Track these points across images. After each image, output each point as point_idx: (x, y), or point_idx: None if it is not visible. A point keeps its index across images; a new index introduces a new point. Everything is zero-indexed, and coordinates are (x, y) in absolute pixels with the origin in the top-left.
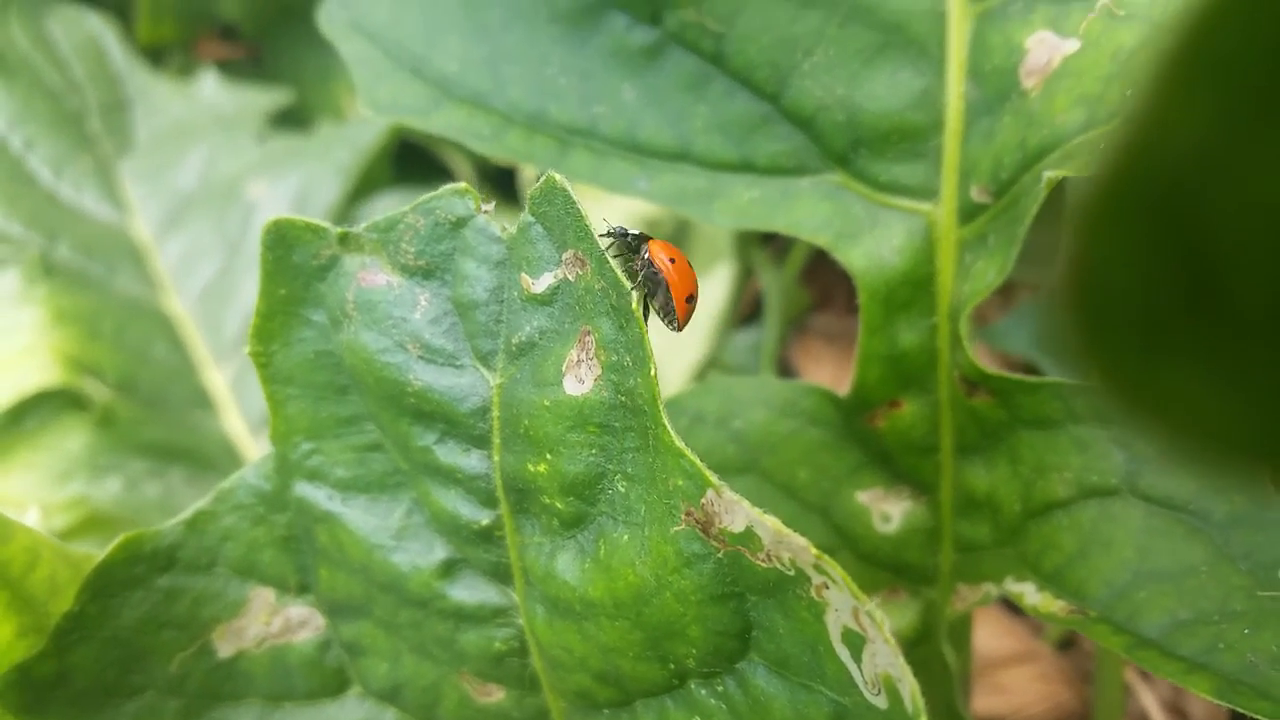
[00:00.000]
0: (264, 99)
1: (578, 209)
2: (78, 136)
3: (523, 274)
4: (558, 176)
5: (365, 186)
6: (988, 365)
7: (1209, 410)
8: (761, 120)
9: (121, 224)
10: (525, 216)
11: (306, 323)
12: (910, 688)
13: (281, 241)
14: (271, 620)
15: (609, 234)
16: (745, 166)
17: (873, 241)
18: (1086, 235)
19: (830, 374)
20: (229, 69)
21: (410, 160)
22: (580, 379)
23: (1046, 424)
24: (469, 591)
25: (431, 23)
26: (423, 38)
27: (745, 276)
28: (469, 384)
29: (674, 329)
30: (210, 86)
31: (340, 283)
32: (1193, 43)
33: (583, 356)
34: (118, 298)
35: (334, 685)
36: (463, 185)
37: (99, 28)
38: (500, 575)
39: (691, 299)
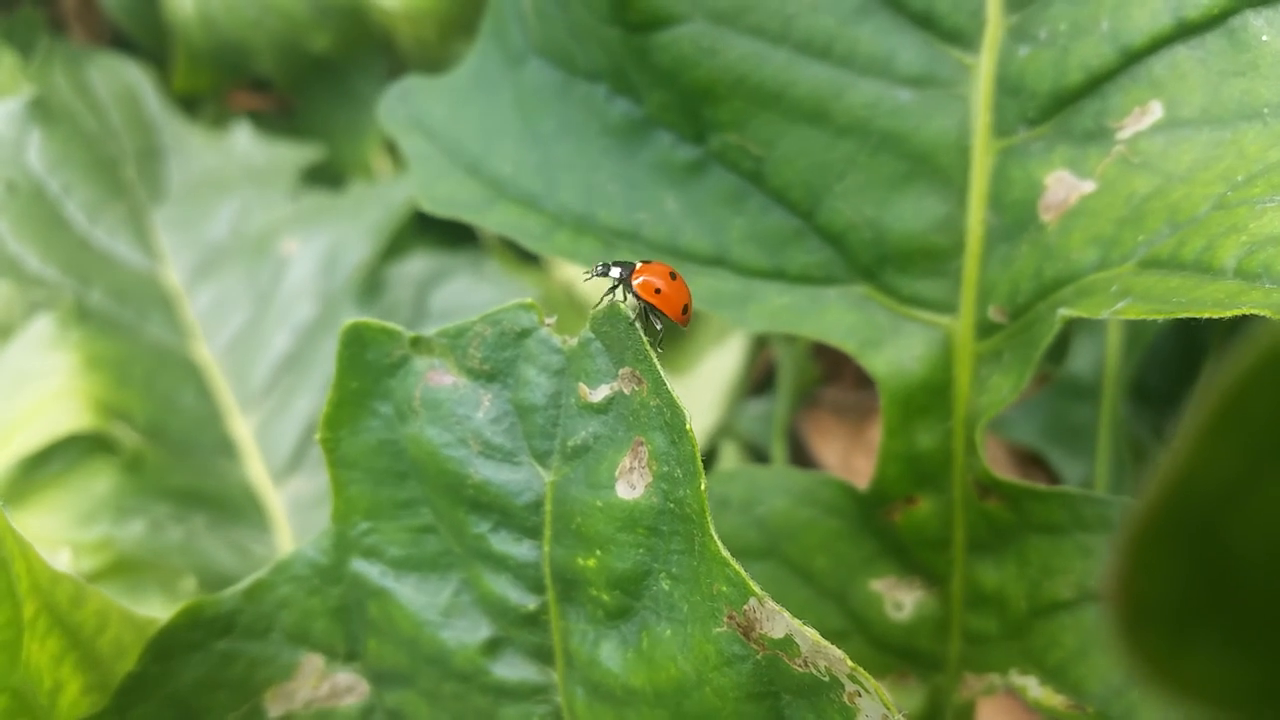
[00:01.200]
0: (297, 154)
1: (637, 332)
2: (113, 183)
3: (581, 384)
4: (621, 305)
5: (393, 244)
6: (999, 454)
7: (1228, 692)
8: (794, 234)
9: (153, 271)
10: (586, 333)
11: (374, 414)
12: None
13: (357, 340)
14: (320, 685)
15: (596, 273)
16: (778, 275)
17: (895, 350)
18: (1131, 553)
19: (839, 448)
20: (261, 120)
21: (432, 222)
22: (632, 485)
23: (1053, 529)
24: (511, 669)
25: (488, 126)
26: (479, 139)
27: (759, 347)
28: (524, 480)
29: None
30: (244, 139)
31: (409, 380)
32: (1225, 405)
33: (635, 464)
34: (148, 344)
35: None
36: (529, 300)
37: (136, 77)
38: (542, 656)
39: (687, 309)
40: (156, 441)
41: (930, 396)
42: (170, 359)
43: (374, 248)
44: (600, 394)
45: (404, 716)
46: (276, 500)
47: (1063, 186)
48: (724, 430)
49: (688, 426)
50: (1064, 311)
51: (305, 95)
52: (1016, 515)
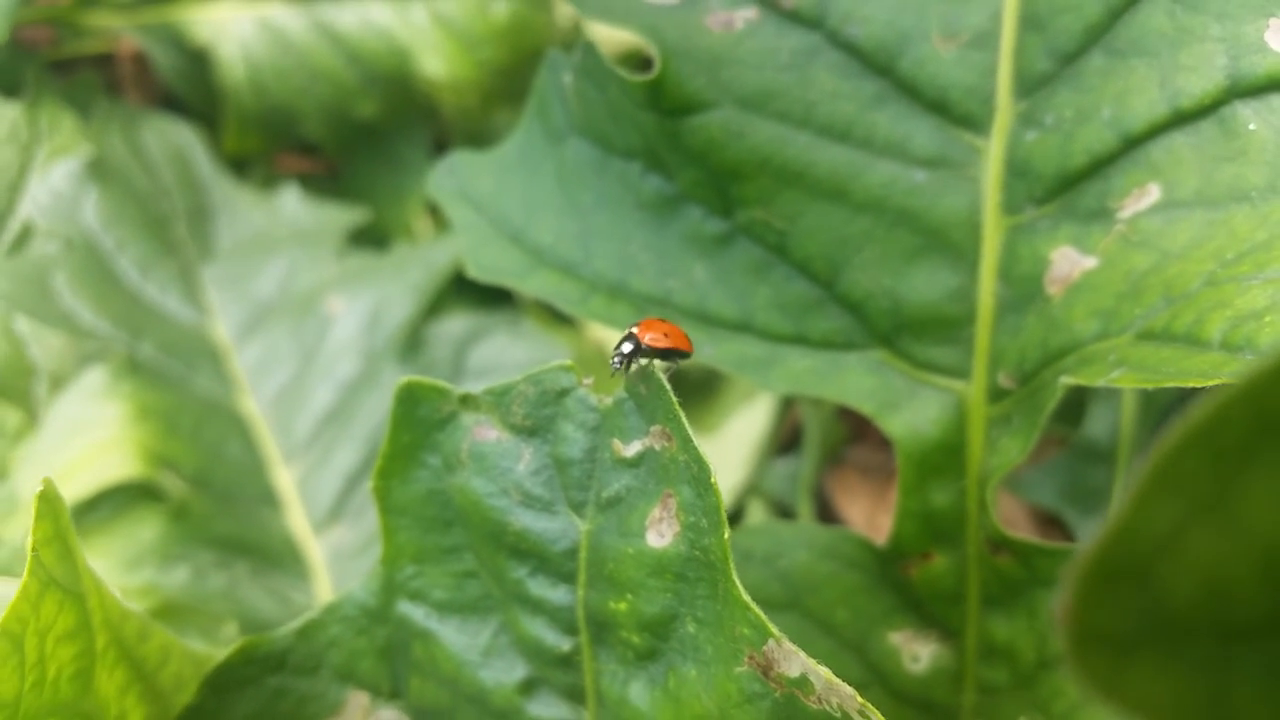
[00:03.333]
0: (343, 216)
1: (668, 394)
2: (164, 241)
3: (615, 440)
4: (648, 367)
5: (434, 304)
6: (1018, 514)
7: (1165, 707)
8: (816, 302)
9: (202, 326)
10: (620, 393)
11: (423, 465)
12: None
13: (410, 397)
14: None
15: (616, 366)
16: (800, 340)
17: (911, 412)
18: (1080, 589)
19: (864, 505)
20: (308, 182)
21: (470, 282)
22: (661, 534)
23: (1060, 585)
24: (545, 708)
25: (530, 198)
26: (522, 211)
27: (786, 408)
28: (561, 528)
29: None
30: (292, 201)
31: (457, 435)
32: (1161, 467)
33: (664, 515)
34: (196, 396)
35: None
36: (569, 363)
37: (188, 138)
38: (575, 695)
39: (688, 339)
40: (202, 490)
41: (945, 457)
42: (217, 411)
43: (416, 307)
44: (633, 449)
45: None
46: (316, 550)
47: (1067, 262)
48: (751, 488)
49: (713, 480)
50: (1066, 379)
51: (351, 159)
52: (1026, 570)
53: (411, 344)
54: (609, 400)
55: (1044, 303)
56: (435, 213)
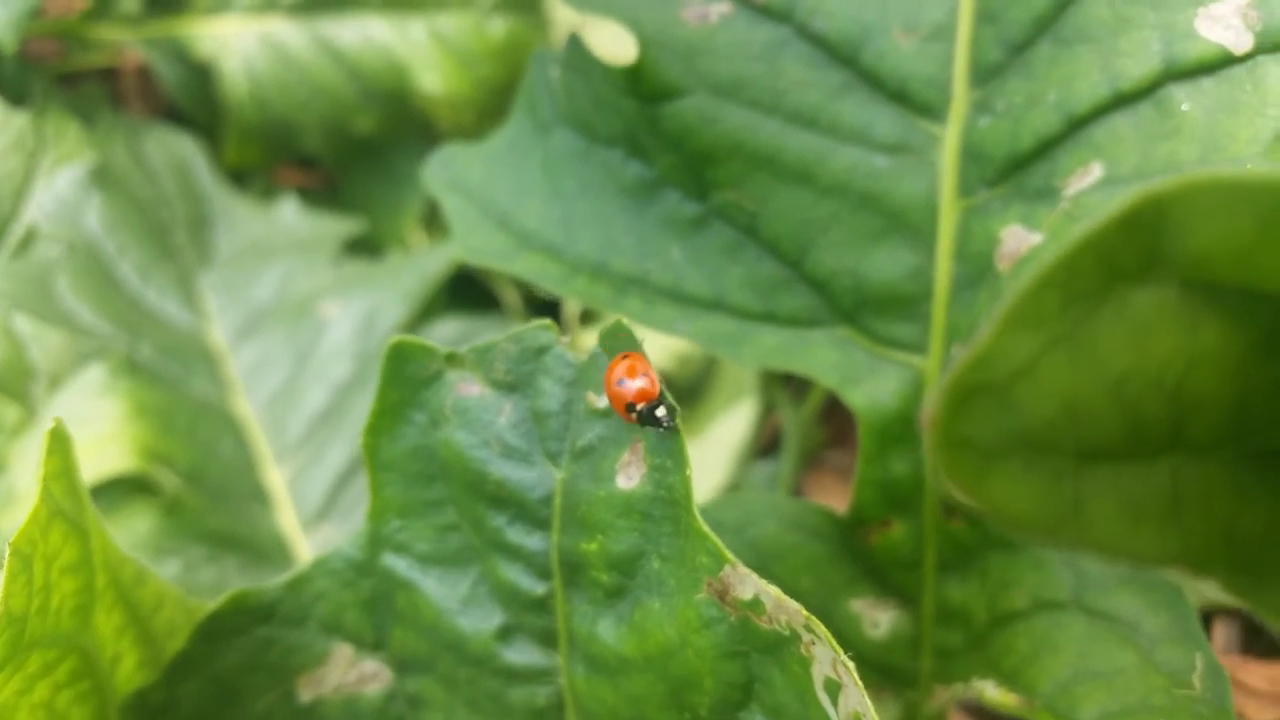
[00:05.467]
0: (339, 226)
1: (640, 346)
2: (164, 247)
3: (589, 393)
4: (624, 320)
5: (425, 310)
6: None
7: (1019, 508)
8: (784, 281)
9: (199, 330)
10: (594, 348)
11: (410, 422)
12: None
13: (400, 355)
14: (348, 672)
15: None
16: (769, 318)
17: (872, 385)
18: (946, 398)
19: (841, 505)
20: (306, 195)
21: (464, 287)
22: (630, 476)
23: (1010, 546)
24: (520, 654)
25: (518, 186)
26: (509, 198)
27: (766, 413)
28: (538, 477)
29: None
30: (290, 212)
31: (442, 391)
32: (1020, 301)
33: (633, 459)
34: (192, 397)
35: None
36: (548, 321)
37: (189, 149)
38: (547, 640)
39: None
40: (195, 487)
41: (903, 427)
42: (212, 411)
43: (408, 312)
44: (605, 401)
45: (423, 701)
46: (305, 547)
47: (1015, 239)
48: (732, 489)
49: (677, 421)
50: None
51: (349, 173)
52: (978, 533)
53: None
54: (584, 357)
55: (994, 279)
56: (429, 226)
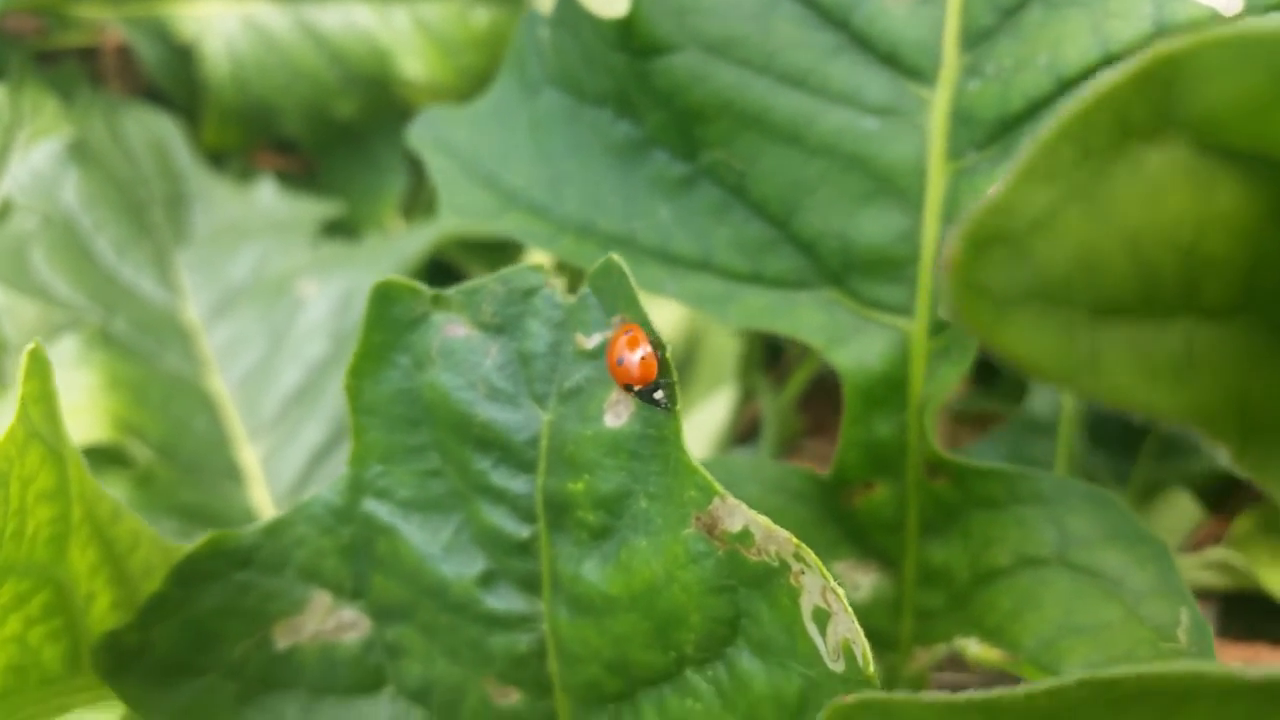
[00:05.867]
0: (317, 209)
1: (629, 284)
2: (141, 224)
3: (578, 334)
4: (616, 258)
5: None
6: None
7: (1033, 353)
8: (771, 242)
9: (174, 307)
10: (583, 289)
11: (394, 365)
12: (863, 649)
13: (384, 298)
14: (326, 620)
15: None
16: (756, 278)
17: (858, 347)
18: (964, 244)
19: None
20: (284, 180)
21: (440, 273)
22: (618, 415)
23: (993, 504)
24: (501, 600)
25: (504, 147)
26: (495, 157)
27: (745, 400)
28: (524, 419)
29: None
30: (268, 194)
31: (428, 334)
32: (1038, 153)
33: (620, 398)
34: (165, 372)
35: (371, 683)
36: (538, 263)
37: (168, 129)
38: (530, 585)
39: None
40: (167, 460)
41: (888, 389)
42: (186, 387)
43: None
44: (594, 340)
45: (401, 650)
46: None
47: None
48: None
49: (668, 356)
50: None
51: (328, 157)
52: (961, 492)
53: None
54: (574, 298)
55: None
56: (408, 213)
